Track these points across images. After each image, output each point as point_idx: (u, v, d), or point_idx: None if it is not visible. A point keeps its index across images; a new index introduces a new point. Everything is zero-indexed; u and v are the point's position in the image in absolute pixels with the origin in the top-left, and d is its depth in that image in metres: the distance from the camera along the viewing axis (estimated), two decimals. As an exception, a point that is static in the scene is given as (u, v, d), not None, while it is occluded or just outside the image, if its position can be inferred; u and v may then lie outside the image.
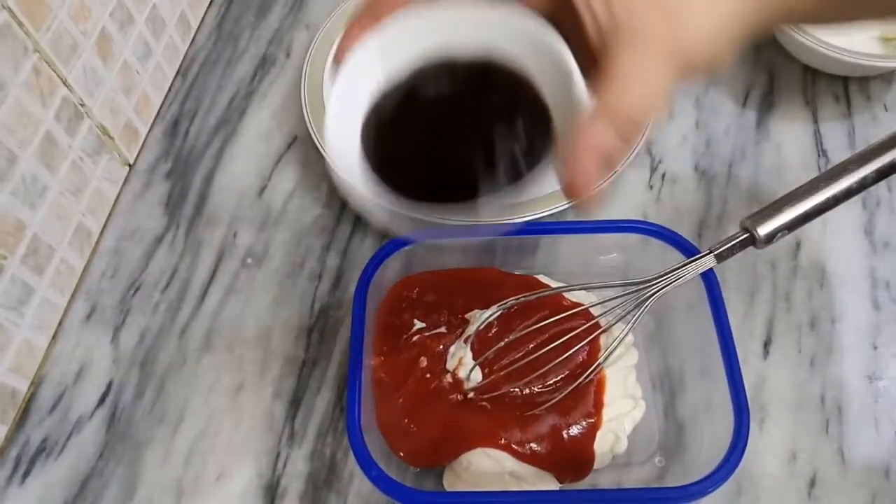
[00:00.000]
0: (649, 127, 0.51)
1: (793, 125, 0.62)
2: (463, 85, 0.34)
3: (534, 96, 0.33)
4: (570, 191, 0.28)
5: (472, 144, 0.33)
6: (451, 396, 0.45)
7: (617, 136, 0.26)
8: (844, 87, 0.64)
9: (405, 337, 0.47)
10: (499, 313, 0.46)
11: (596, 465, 0.44)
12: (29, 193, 0.48)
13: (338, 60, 0.32)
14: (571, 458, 0.44)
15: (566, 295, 0.48)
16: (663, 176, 0.60)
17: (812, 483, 0.46)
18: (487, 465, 0.43)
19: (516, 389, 0.45)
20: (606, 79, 0.27)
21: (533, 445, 0.43)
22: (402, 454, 0.44)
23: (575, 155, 0.27)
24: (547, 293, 0.47)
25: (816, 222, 0.42)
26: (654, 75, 0.26)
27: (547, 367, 0.44)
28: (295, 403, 0.50)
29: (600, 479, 0.45)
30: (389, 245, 0.47)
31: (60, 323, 0.54)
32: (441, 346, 0.46)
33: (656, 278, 0.42)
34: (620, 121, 0.26)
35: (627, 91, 0.26)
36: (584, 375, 0.44)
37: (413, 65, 0.33)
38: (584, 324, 0.45)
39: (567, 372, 0.45)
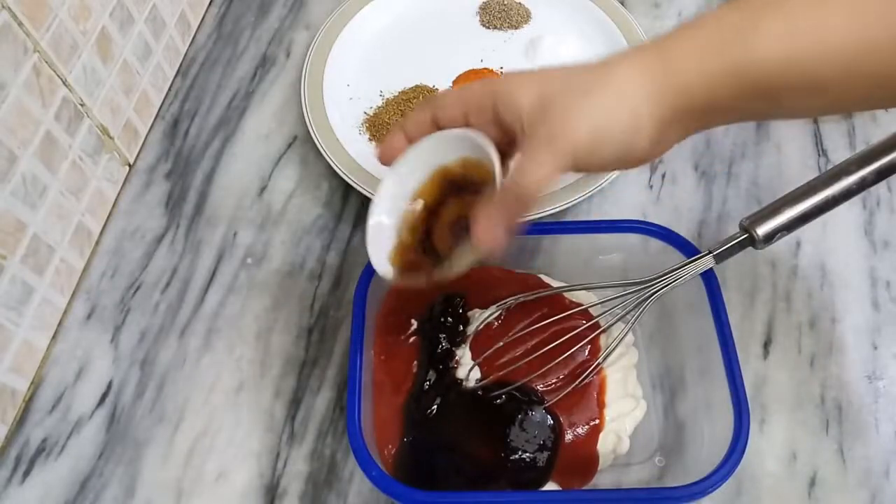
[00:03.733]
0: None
1: (792, 125, 0.62)
2: None
3: None
4: (477, 241, 0.36)
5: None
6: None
7: (516, 205, 0.36)
8: (844, 87, 0.64)
9: (404, 337, 0.47)
10: (498, 313, 0.46)
11: (598, 466, 0.44)
12: (29, 193, 0.48)
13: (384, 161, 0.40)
14: (575, 460, 0.44)
15: (566, 295, 0.48)
16: (663, 176, 0.60)
17: (812, 483, 0.46)
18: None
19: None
20: (516, 167, 0.36)
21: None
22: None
23: (485, 213, 0.36)
24: (547, 293, 0.47)
25: (816, 222, 0.42)
26: (542, 165, 0.34)
27: (547, 367, 0.44)
28: (295, 403, 0.50)
29: (600, 479, 0.45)
30: (389, 245, 0.47)
31: (60, 323, 0.54)
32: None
33: (656, 279, 0.42)
34: (516, 196, 0.35)
35: (522, 175, 0.35)
36: (584, 375, 0.44)
37: None
38: (583, 323, 0.45)
39: (567, 371, 0.45)
